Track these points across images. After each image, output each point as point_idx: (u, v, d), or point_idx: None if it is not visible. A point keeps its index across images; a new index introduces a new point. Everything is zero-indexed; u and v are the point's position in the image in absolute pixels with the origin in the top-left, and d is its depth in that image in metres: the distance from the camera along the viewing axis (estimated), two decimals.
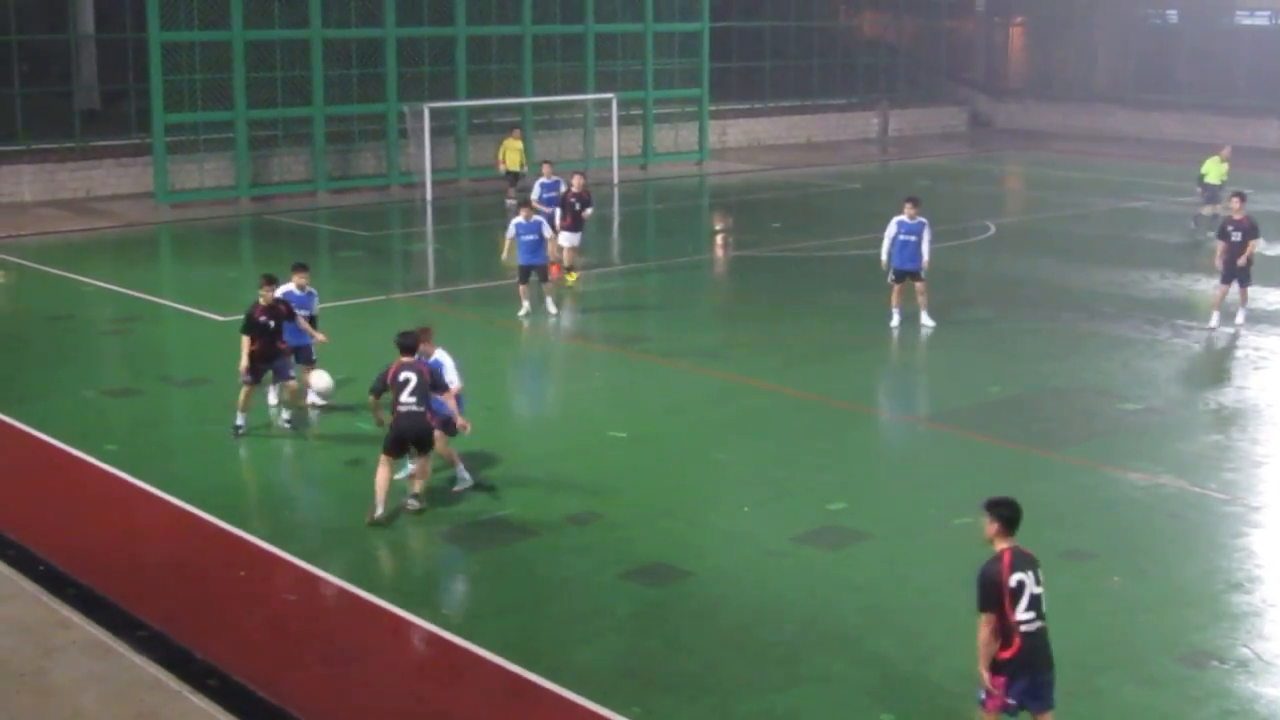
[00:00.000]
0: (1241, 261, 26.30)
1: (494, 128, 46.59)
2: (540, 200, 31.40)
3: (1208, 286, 30.31)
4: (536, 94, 47.32)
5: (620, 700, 12.65)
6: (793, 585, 15.32)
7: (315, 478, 19.09)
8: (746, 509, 17.66)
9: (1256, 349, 25.33)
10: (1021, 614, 10.77)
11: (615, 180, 46.42)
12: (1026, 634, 10.80)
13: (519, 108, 46.80)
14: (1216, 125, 56.99)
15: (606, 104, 47.32)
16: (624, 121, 48.23)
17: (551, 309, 27.15)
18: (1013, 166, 55.19)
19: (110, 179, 42.62)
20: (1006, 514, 10.99)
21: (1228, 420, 21.22)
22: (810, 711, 12.68)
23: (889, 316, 26.34)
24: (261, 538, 16.46)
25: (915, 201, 26.56)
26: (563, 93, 47.89)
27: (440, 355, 17.84)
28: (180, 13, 40.35)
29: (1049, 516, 17.30)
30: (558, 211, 30.43)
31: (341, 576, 15.33)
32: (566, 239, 30.13)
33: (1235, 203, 26.88)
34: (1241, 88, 58.46)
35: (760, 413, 21.45)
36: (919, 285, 26.25)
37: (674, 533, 16.86)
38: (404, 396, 16.94)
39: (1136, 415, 21.52)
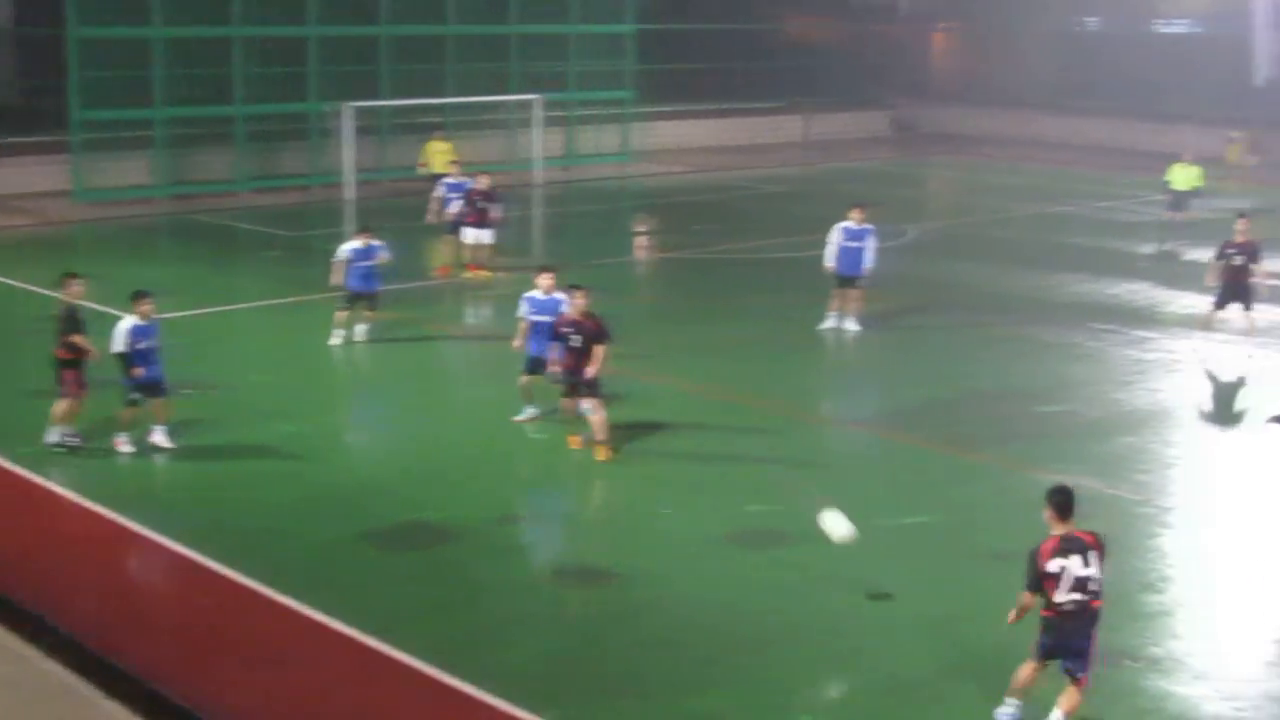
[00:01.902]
0: (1260, 288, 25.37)
1: (418, 128, 46.38)
2: (443, 200, 31.81)
3: (1123, 291, 30.67)
4: (460, 94, 47.15)
5: (542, 702, 12.65)
6: (715, 586, 15.37)
7: (235, 481, 18.93)
8: (668, 511, 17.70)
9: (1170, 352, 25.62)
10: (1062, 596, 11.76)
11: (539, 182, 46.34)
12: (1062, 611, 11.80)
13: (442, 108, 46.64)
14: (1138, 131, 57.61)
15: (529, 105, 47.21)
16: (548, 123, 48.12)
17: (362, 338, 25.20)
18: (936, 171, 55.54)
19: (28, 176, 42.05)
20: (1058, 499, 12.06)
21: (1141, 422, 21.46)
22: (731, 713, 12.73)
23: (826, 320, 26.35)
24: (180, 541, 16.31)
25: (863, 207, 26.55)
26: (486, 93, 47.75)
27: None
28: (100, 8, 39.91)
29: (970, 518, 17.49)
30: (456, 203, 30.96)
31: (261, 580, 15.22)
32: (472, 236, 30.52)
33: (1241, 224, 25.37)
34: (1162, 94, 59.10)
35: (683, 414, 21.48)
36: (855, 292, 26.25)
37: (596, 534, 16.89)
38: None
39: (1054, 417, 21.73)
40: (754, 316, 28.19)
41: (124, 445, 19.29)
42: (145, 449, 19.30)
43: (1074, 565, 11.76)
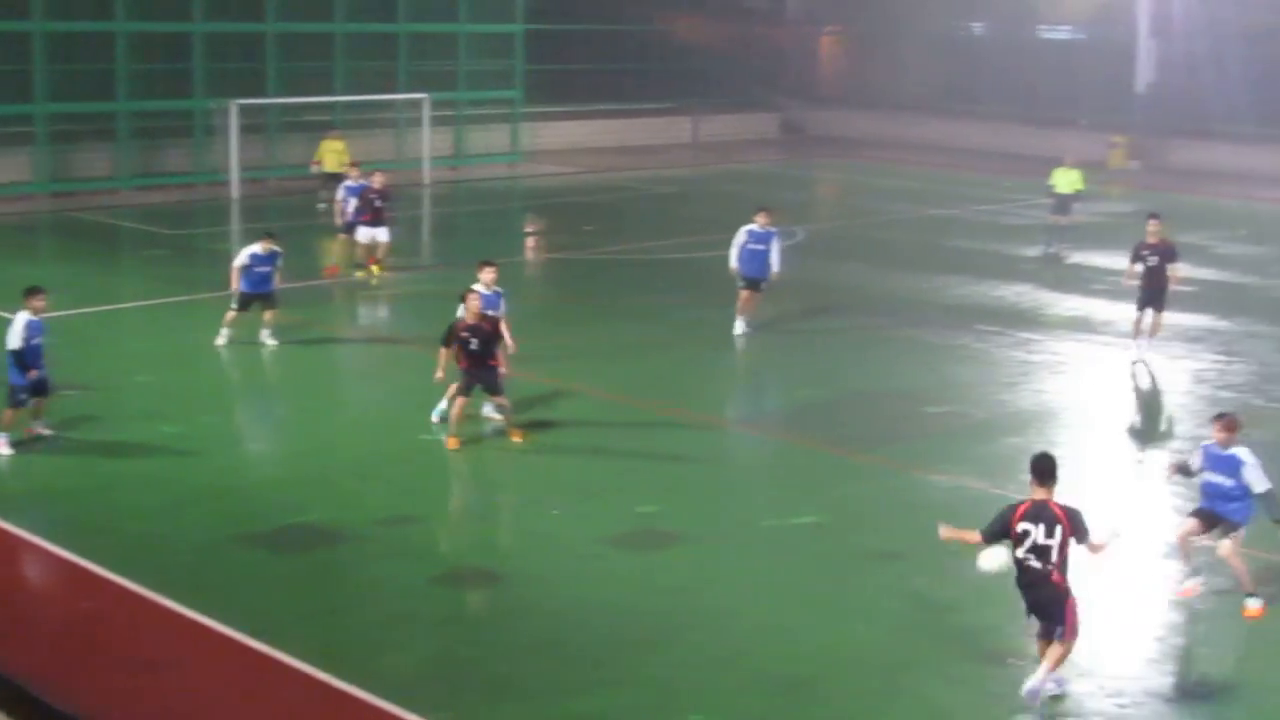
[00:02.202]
0: (1172, 287, 25.12)
1: (305, 126, 46.04)
2: (344, 201, 31.64)
3: (1008, 293, 31.00)
4: (348, 93, 46.83)
5: (429, 704, 12.57)
6: (602, 587, 15.34)
7: (116, 483, 18.62)
8: (556, 512, 17.64)
9: (1055, 354, 25.93)
10: (1022, 553, 12.54)
11: (427, 181, 46.10)
12: (1025, 567, 12.59)
13: (330, 106, 46.29)
14: (1020, 135, 58.26)
15: (419, 104, 46.97)
16: (437, 122, 47.89)
17: (270, 341, 24.79)
18: (823, 173, 55.86)
19: None
20: (1038, 465, 12.82)
21: (1026, 423, 21.67)
22: (619, 713, 12.71)
23: (733, 323, 26.29)
24: (58, 543, 16.03)
25: (767, 210, 26.50)
26: (375, 92, 47.44)
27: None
28: None
29: (856, 518, 17.59)
30: (353, 203, 30.98)
31: (142, 583, 14.98)
32: (367, 234, 30.53)
33: (1153, 225, 25.24)
34: (1043, 99, 59.84)
35: (573, 416, 21.42)
36: (755, 295, 26.21)
37: (483, 536, 16.80)
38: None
39: (940, 418, 21.91)
40: (644, 317, 28.19)
41: (3, 447, 18.94)
42: (25, 449, 18.97)
43: (1038, 533, 12.46)
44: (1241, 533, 14.76)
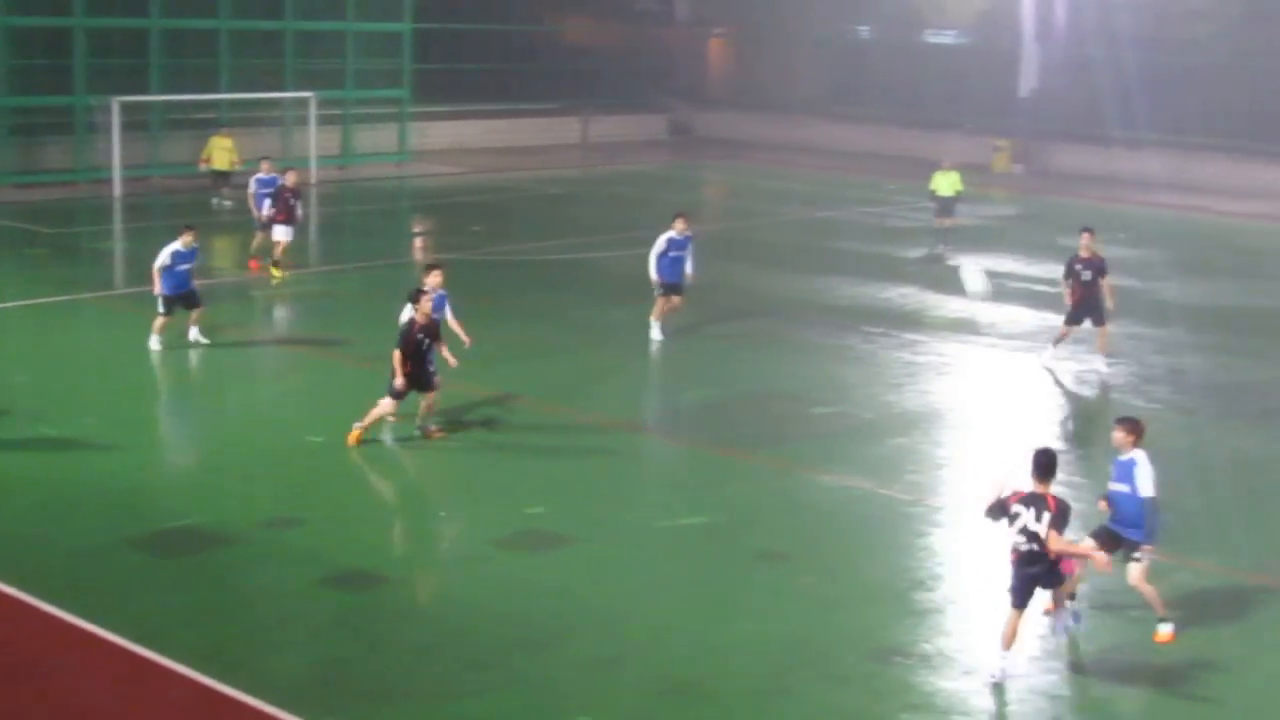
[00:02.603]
0: (1110, 305, 24.99)
1: (190, 124, 45.54)
2: (256, 195, 31.37)
3: (894, 295, 31.28)
4: (234, 90, 46.32)
5: (316, 708, 12.47)
6: (490, 590, 15.29)
7: None
8: (443, 514, 17.57)
9: (939, 355, 26.18)
10: (1013, 535, 13.47)
11: (313, 181, 45.69)
12: (1018, 550, 13.48)
13: (216, 104, 45.80)
14: (906, 138, 58.84)
15: (305, 103, 46.57)
16: (323, 121, 47.51)
17: (203, 339, 24.64)
18: (711, 174, 56.08)
19: None
20: (1039, 460, 13.60)
21: (912, 424, 21.88)
22: (506, 715, 12.67)
23: (650, 329, 26.20)
24: None
25: (685, 216, 26.42)
26: (261, 90, 46.98)
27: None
28: None
29: (744, 518, 17.66)
30: (267, 204, 30.64)
31: (20, 586, 14.72)
32: (282, 233, 30.24)
33: (1085, 239, 24.87)
34: (929, 102, 60.44)
35: (463, 417, 21.34)
36: (676, 300, 26.17)
37: (371, 538, 16.68)
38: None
39: (827, 419, 22.06)
40: (532, 318, 28.12)
41: None
42: None
43: (1028, 517, 13.38)
44: (1146, 559, 14.29)
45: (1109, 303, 24.94)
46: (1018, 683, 13.50)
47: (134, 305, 27.76)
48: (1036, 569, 13.46)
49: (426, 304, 19.88)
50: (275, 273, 30.13)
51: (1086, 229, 25.21)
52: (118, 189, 41.30)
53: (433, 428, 20.11)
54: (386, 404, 19.65)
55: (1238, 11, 54.55)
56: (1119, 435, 14.52)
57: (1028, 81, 56.36)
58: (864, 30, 66.05)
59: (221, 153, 40.58)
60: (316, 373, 24.32)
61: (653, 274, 25.90)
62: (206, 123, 43.62)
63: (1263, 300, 33.02)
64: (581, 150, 58.93)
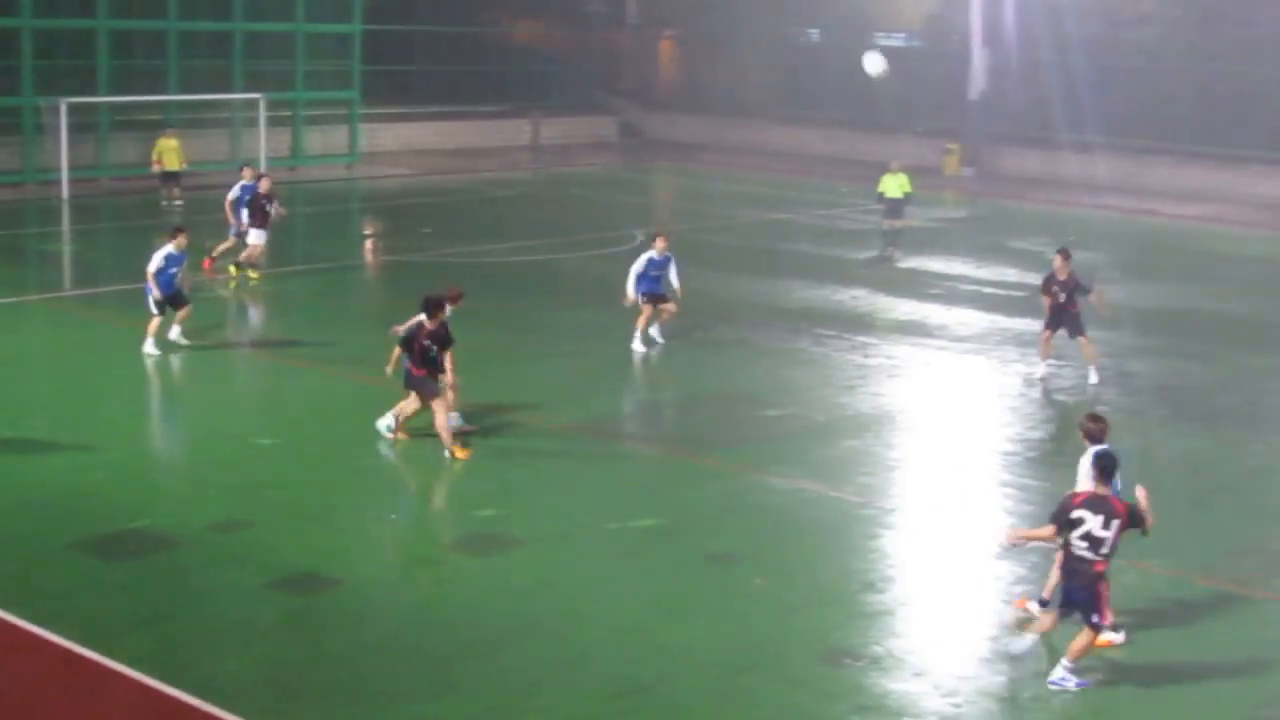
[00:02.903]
0: (1108, 314, 25.80)
1: (138, 125, 45.27)
2: (239, 201, 31.24)
3: (845, 297, 31.37)
4: (183, 92, 46.05)
5: (266, 712, 12.42)
6: (442, 592, 15.26)
7: None
8: (394, 516, 17.52)
9: (890, 357, 26.26)
10: (1074, 540, 13.37)
11: None
12: (1072, 554, 13.45)
13: (165, 105, 45.52)
14: (856, 141, 59.07)
15: (255, 104, 46.34)
16: (273, 123, 47.27)
17: (182, 340, 24.69)
18: (662, 177, 56.13)
19: None
20: (1101, 463, 13.68)
21: (864, 426, 21.94)
22: (461, 717, 12.64)
23: (632, 338, 25.83)
24: None
25: (665, 236, 26.26)
26: (210, 91, 46.70)
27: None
28: None
29: (695, 521, 17.68)
30: (245, 212, 30.63)
31: None
32: (257, 236, 30.39)
33: (1058, 261, 24.76)
34: (879, 105, 60.67)
35: (415, 420, 21.26)
36: (661, 306, 25.95)
37: (321, 541, 16.59)
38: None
39: (779, 421, 22.09)
40: (483, 321, 28.00)
41: None
42: None
43: (1094, 524, 13.28)
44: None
45: (1106, 312, 25.80)
46: (969, 684, 13.55)
47: (84, 306, 27.65)
48: (1084, 579, 13.38)
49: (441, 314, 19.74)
50: (251, 274, 30.14)
51: (1061, 251, 25.10)
52: (65, 190, 40.98)
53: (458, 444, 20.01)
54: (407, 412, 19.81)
55: (1184, 15, 55.02)
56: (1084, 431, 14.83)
57: (977, 84, 56.60)
58: (814, 33, 66.22)
59: (171, 153, 40.44)
60: (265, 375, 24.21)
61: (630, 293, 25.49)
62: (155, 124, 43.34)
63: (1210, 303, 33.27)
64: (531, 152, 58.88)
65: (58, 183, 41.23)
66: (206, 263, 30.56)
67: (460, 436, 19.74)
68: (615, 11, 70.01)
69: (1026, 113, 56.14)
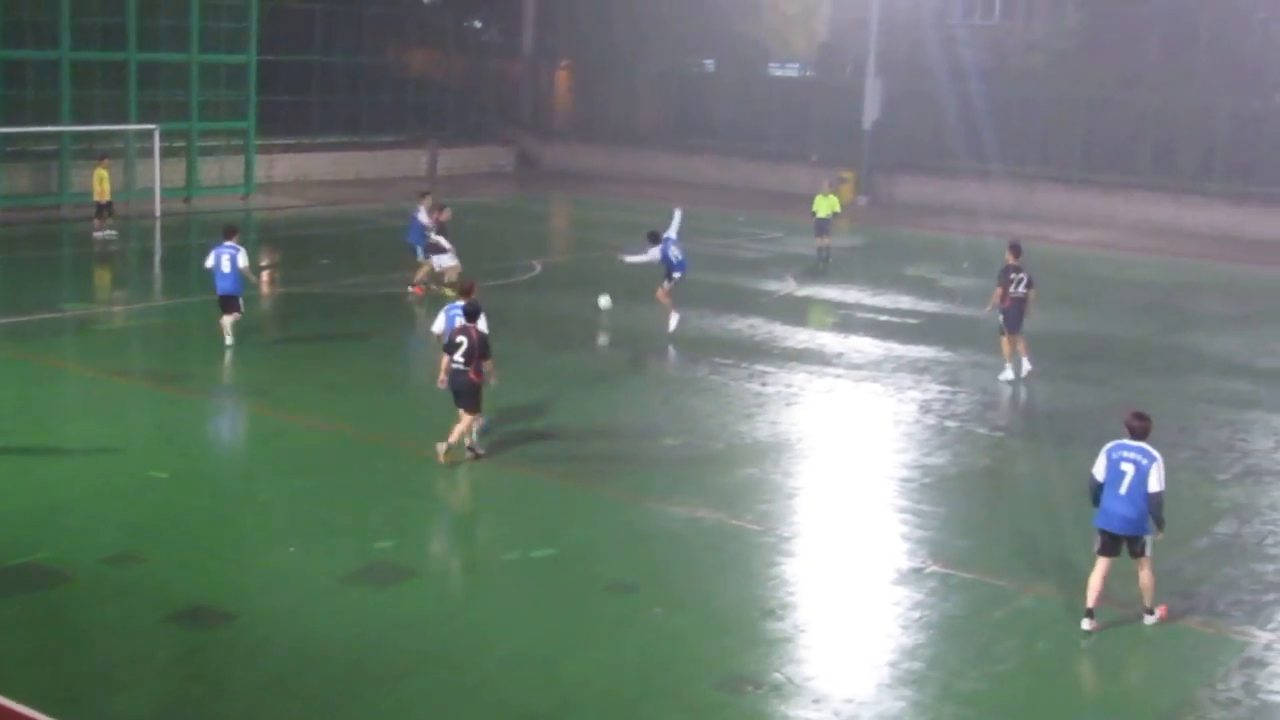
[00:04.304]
0: (1031, 314, 26.97)
1: (30, 155, 44.81)
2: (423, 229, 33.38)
3: (743, 325, 31.52)
4: (76, 122, 45.55)
5: None
6: (340, 625, 15.16)
7: None
8: (292, 549, 17.38)
9: (788, 385, 26.40)
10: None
11: (158, 213, 45.04)
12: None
13: (58, 136, 45.01)
14: (750, 170, 59.55)
15: (149, 135, 45.90)
16: (167, 153, 46.89)
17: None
18: (558, 206, 56.19)
19: None
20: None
21: (762, 454, 22.04)
22: None
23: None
24: None
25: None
26: (104, 122, 46.21)
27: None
28: None
29: (592, 550, 17.68)
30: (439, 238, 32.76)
31: None
32: (451, 259, 32.44)
33: (1010, 257, 26.92)
34: (773, 135, 61.16)
35: (306, 451, 21.16)
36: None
37: (217, 574, 16.44)
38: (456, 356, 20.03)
39: (676, 450, 22.14)
40: (380, 351, 27.98)
41: None
42: None
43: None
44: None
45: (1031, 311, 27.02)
46: (868, 709, 13.65)
47: None
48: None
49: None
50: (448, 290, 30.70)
51: (1012, 246, 27.28)
52: None
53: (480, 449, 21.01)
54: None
55: (1071, 44, 55.93)
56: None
57: (870, 114, 57.15)
58: (709, 63, 66.62)
59: (103, 184, 40.30)
60: (158, 406, 23.94)
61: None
62: (48, 155, 42.81)
63: (1102, 327, 33.77)
64: (428, 182, 58.70)
65: None
66: (417, 289, 32.64)
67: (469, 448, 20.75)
68: (511, 42, 70.12)
69: (920, 141, 56.87)
